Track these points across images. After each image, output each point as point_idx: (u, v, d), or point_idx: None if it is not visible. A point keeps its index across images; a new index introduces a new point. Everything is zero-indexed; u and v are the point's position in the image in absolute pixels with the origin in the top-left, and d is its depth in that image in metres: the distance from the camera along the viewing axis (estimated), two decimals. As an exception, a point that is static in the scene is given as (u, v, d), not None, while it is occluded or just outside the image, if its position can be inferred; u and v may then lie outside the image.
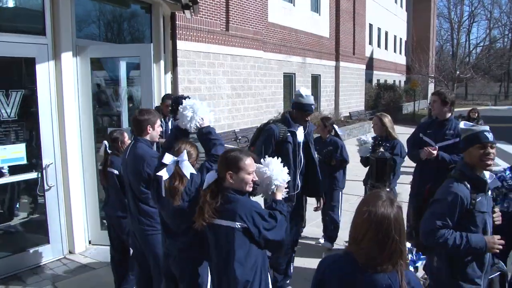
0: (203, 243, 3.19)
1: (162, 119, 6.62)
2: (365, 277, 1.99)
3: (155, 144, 4.46)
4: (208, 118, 3.59)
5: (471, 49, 55.34)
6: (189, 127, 3.53)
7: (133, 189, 3.93)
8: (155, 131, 4.09)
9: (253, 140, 5.04)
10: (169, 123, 6.87)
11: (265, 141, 4.60)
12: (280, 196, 3.19)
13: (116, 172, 4.54)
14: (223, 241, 2.86)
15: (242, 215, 2.80)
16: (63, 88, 5.65)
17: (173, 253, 3.40)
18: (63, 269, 5.57)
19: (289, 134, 4.59)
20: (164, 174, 3.20)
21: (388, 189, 5.00)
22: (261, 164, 3.22)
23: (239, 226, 2.79)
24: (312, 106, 4.69)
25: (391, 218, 1.97)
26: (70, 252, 5.98)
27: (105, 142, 4.75)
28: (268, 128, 4.67)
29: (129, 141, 4.35)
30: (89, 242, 6.28)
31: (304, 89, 4.66)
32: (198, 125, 3.52)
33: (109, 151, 4.68)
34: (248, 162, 2.93)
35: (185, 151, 3.27)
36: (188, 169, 3.24)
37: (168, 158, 3.23)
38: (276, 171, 3.18)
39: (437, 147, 4.83)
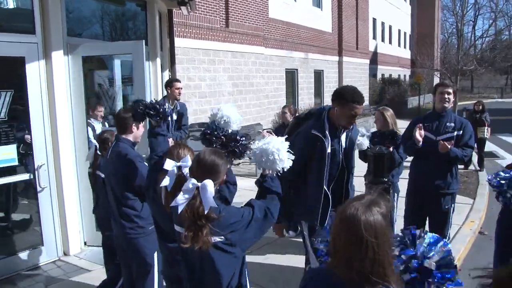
0: None
1: (169, 105, 6.50)
2: None
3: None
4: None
5: (475, 40, 54.85)
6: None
7: (114, 191, 3.81)
8: (139, 131, 3.96)
9: None
10: (173, 113, 6.78)
11: None
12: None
13: (103, 175, 4.39)
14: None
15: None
16: (54, 87, 5.54)
17: (176, 258, 3.27)
18: (57, 271, 5.48)
19: None
20: (166, 182, 2.96)
21: (387, 185, 4.91)
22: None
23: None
24: None
25: (360, 219, 1.75)
26: (65, 254, 5.89)
27: (95, 143, 4.62)
28: None
29: None
30: (85, 244, 6.18)
31: None
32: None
33: (99, 153, 4.54)
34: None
35: (188, 155, 3.04)
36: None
37: (169, 164, 2.99)
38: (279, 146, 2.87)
39: (450, 143, 4.61)
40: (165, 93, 7.39)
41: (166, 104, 6.54)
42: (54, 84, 5.54)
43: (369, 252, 1.73)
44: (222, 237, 2.50)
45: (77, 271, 5.48)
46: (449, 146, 4.54)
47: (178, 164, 2.95)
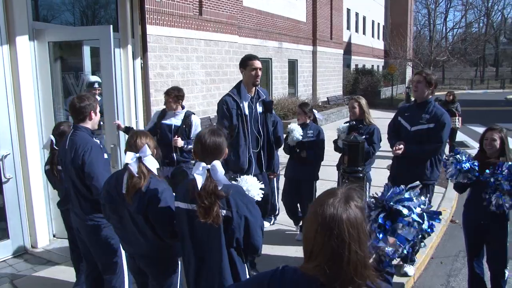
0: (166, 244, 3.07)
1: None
2: None
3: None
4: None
5: (447, 31, 55.79)
6: None
7: (73, 182, 3.66)
8: (96, 117, 3.81)
9: None
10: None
11: None
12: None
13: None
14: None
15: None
16: (19, 73, 5.32)
17: (136, 255, 3.21)
18: (24, 265, 5.30)
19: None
20: (129, 174, 2.98)
21: (361, 174, 4.89)
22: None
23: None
24: None
25: (342, 219, 1.57)
26: (33, 247, 5.70)
27: (51, 136, 4.42)
28: None
29: None
30: (54, 236, 6.01)
31: None
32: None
33: (55, 148, 4.33)
34: None
35: (146, 145, 3.01)
36: (153, 164, 3.01)
37: (129, 157, 2.96)
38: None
39: (402, 144, 4.73)
40: (138, 79, 7.19)
41: None
42: (19, 70, 5.31)
43: (352, 254, 1.57)
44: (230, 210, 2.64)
45: (45, 265, 5.31)
46: (398, 152, 4.72)
47: (138, 155, 2.97)
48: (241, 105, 4.63)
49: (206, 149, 2.70)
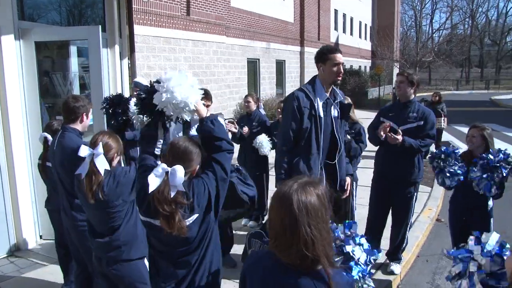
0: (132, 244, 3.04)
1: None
2: (288, 279, 1.76)
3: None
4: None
5: (433, 32, 56.31)
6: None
7: (63, 182, 3.65)
8: (88, 120, 3.81)
9: None
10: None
11: None
12: (204, 109, 2.71)
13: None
14: None
15: None
16: (4, 73, 5.27)
17: (102, 256, 3.19)
18: (10, 267, 5.25)
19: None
20: (81, 169, 2.96)
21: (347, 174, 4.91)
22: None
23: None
24: None
25: (292, 197, 1.72)
26: (19, 249, 5.65)
27: (46, 134, 4.41)
28: None
29: None
30: (40, 237, 5.96)
31: None
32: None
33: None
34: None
35: (100, 144, 2.99)
36: (102, 164, 2.97)
37: (84, 151, 2.95)
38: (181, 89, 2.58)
39: (401, 132, 4.68)
40: (125, 80, 7.14)
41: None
42: (4, 70, 5.27)
43: (302, 232, 1.70)
44: (196, 215, 2.46)
45: (31, 266, 5.26)
46: (399, 138, 4.59)
47: (92, 151, 2.95)
48: (316, 104, 3.84)
49: (174, 151, 2.48)
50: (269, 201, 6.42)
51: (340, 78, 3.88)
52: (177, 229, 2.36)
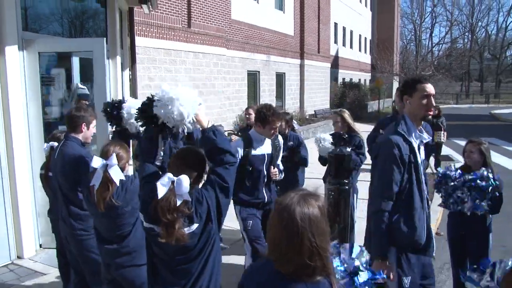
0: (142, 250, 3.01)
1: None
2: (284, 286, 1.80)
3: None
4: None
5: (433, 46, 56.67)
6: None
7: (62, 191, 3.69)
8: (89, 131, 3.87)
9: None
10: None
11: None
12: (205, 119, 2.72)
13: None
14: None
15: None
16: (8, 84, 5.31)
17: (111, 262, 3.22)
18: (10, 276, 5.25)
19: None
20: (94, 180, 3.01)
21: (347, 186, 4.95)
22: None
23: None
24: None
25: (294, 209, 1.76)
26: (19, 257, 5.66)
27: (52, 143, 4.45)
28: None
29: None
30: (40, 246, 5.97)
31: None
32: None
33: None
34: None
35: (114, 154, 3.06)
36: (117, 175, 3.03)
37: (97, 162, 3.01)
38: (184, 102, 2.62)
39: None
40: (126, 91, 7.21)
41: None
42: (7, 81, 5.31)
43: (305, 242, 1.74)
44: (196, 224, 2.48)
45: (31, 275, 5.27)
46: None
47: (105, 162, 2.98)
48: (415, 148, 3.22)
49: (177, 160, 2.55)
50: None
51: (431, 113, 3.27)
52: (175, 238, 2.39)
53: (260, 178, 4.58)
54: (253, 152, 4.49)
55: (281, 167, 4.95)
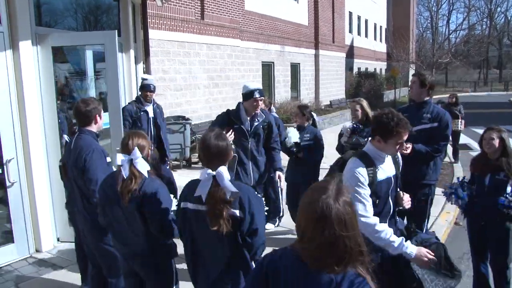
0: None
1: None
2: (310, 277, 1.76)
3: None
4: None
5: (450, 33, 55.81)
6: None
7: (77, 183, 3.70)
8: (101, 120, 3.87)
9: None
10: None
11: None
12: None
13: None
14: None
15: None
16: (22, 78, 5.34)
17: (130, 258, 3.22)
18: (29, 269, 5.31)
19: None
20: (124, 173, 2.99)
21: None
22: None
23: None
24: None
25: (331, 215, 1.69)
26: (37, 251, 5.71)
27: (66, 136, 4.47)
28: None
29: None
30: (58, 240, 6.02)
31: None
32: None
33: None
34: None
35: (136, 148, 3.02)
36: (143, 167, 3.01)
37: (120, 158, 2.99)
38: None
39: (409, 143, 4.52)
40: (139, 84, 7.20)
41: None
42: (22, 75, 5.33)
43: (340, 246, 1.70)
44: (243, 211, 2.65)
45: (49, 268, 5.32)
46: (407, 151, 4.35)
47: (129, 157, 2.98)
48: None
49: (210, 153, 2.67)
50: (283, 203, 6.43)
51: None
52: (219, 226, 2.57)
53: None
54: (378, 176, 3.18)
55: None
